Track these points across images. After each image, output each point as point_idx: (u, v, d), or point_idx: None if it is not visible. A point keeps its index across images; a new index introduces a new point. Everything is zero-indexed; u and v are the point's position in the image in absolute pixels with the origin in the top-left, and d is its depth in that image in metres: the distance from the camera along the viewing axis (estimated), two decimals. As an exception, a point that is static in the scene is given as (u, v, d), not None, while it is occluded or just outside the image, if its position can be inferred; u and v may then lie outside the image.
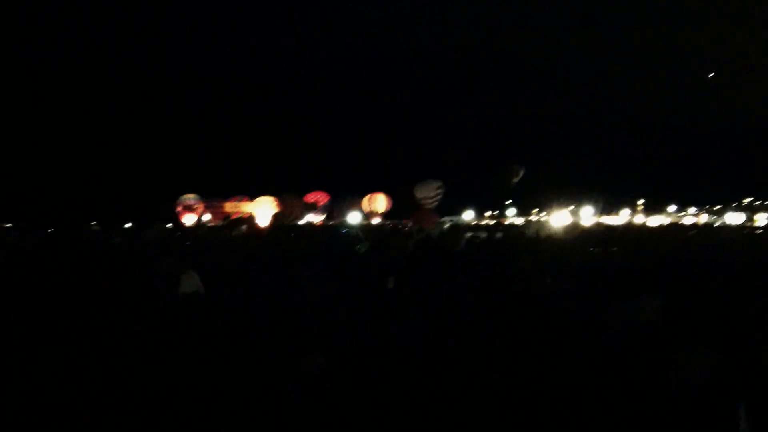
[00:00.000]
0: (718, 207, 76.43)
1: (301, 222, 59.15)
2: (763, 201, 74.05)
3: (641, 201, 76.38)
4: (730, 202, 75.26)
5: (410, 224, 41.41)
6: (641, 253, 15.71)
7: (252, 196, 66.55)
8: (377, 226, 45.09)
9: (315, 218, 63.92)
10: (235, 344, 7.16)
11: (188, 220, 61.25)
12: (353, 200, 64.29)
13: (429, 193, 62.11)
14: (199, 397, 5.83)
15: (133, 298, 9.48)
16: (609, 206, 69.99)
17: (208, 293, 10.13)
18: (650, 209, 74.69)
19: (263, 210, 63.20)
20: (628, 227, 37.79)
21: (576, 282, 10.34)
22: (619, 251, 16.25)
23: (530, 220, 61.38)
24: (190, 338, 7.25)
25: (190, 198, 63.13)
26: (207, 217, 64.01)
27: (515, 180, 63.30)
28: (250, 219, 58.88)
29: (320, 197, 66.07)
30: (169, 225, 54.12)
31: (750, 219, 58.29)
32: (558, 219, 48.79)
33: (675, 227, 35.02)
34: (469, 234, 22.04)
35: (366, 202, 64.37)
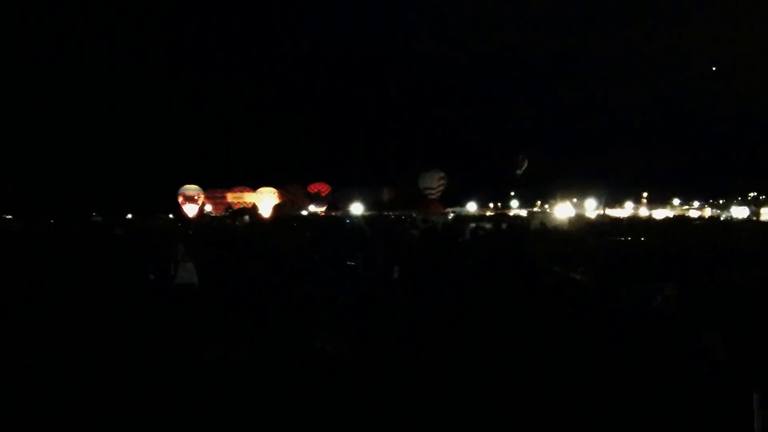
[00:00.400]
0: (722, 201, 76.40)
1: (303, 212, 59.11)
2: (768, 196, 73.81)
3: (645, 193, 76.39)
4: (734, 196, 75.17)
5: (414, 215, 41.21)
6: (653, 242, 15.63)
7: (254, 187, 66.55)
8: (382, 216, 44.88)
9: (317, 209, 63.88)
10: (231, 335, 7.01)
11: (190, 210, 61.16)
12: (356, 191, 64.21)
13: (432, 183, 62.16)
14: (193, 388, 5.65)
15: (129, 289, 9.33)
16: (612, 198, 69.96)
17: (210, 284, 9.95)
18: (654, 202, 74.61)
19: (265, 200, 63.25)
20: (634, 219, 37.58)
21: (587, 270, 10.27)
22: (632, 241, 16.09)
23: (534, 212, 61.10)
24: (182, 330, 7.09)
25: (191, 188, 63.01)
26: (209, 207, 64.02)
27: (519, 171, 63.26)
28: (252, 209, 58.94)
29: (322, 188, 66.05)
30: (171, 216, 54.06)
31: (756, 213, 58.08)
32: (561, 211, 48.53)
33: (682, 219, 34.75)
34: (473, 225, 21.92)
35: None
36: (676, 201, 77.32)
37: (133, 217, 51.38)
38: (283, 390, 5.64)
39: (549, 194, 66.29)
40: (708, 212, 67.43)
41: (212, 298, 8.97)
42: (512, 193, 74.04)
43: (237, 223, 33.22)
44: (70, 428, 5.06)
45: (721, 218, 46.28)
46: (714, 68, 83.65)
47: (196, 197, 62.66)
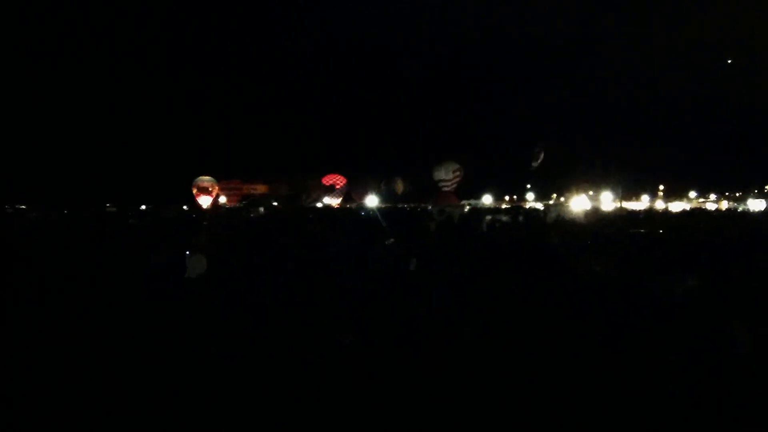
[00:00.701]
0: (739, 194, 76.06)
1: (318, 204, 59.19)
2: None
3: (661, 186, 76.17)
4: (751, 189, 74.81)
5: (430, 207, 41.10)
6: (670, 235, 15.58)
7: (269, 179, 66.82)
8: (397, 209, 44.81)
9: (332, 201, 63.92)
10: (237, 329, 6.93)
11: (204, 201, 61.38)
12: (371, 183, 64.16)
13: (447, 175, 62.05)
14: (195, 387, 5.55)
15: (136, 281, 9.26)
16: (629, 191, 69.76)
17: (221, 275, 9.86)
18: (670, 195, 74.40)
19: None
20: (650, 212, 37.44)
21: (606, 262, 10.18)
22: (650, 234, 16.02)
23: (551, 204, 60.89)
24: (186, 326, 7.00)
25: (205, 180, 63.22)
26: (223, 198, 64.26)
27: (535, 164, 63.03)
28: (268, 200, 59.10)
29: (338, 180, 66.05)
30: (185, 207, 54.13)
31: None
32: (578, 203, 48.40)
33: (699, 212, 34.59)
34: (489, 217, 21.82)
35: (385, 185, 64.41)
36: (692, 194, 77.06)
37: (147, 207, 51.37)
38: (289, 388, 5.55)
39: (565, 187, 66.08)
40: (725, 205, 67.20)
41: (222, 290, 8.88)
42: (528, 186, 74.00)
43: (252, 215, 33.10)
44: (70, 425, 4.98)
45: (739, 210, 46.14)
46: (730, 60, 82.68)
47: (210, 188, 62.93)
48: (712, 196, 78.71)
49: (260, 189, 66.29)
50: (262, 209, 39.91)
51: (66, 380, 5.54)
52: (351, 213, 34.39)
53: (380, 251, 11.68)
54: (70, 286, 8.82)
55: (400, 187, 65.30)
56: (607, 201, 58.54)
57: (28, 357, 6.03)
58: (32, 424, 4.97)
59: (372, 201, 59.40)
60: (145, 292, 8.44)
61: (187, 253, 10.05)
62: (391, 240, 12.56)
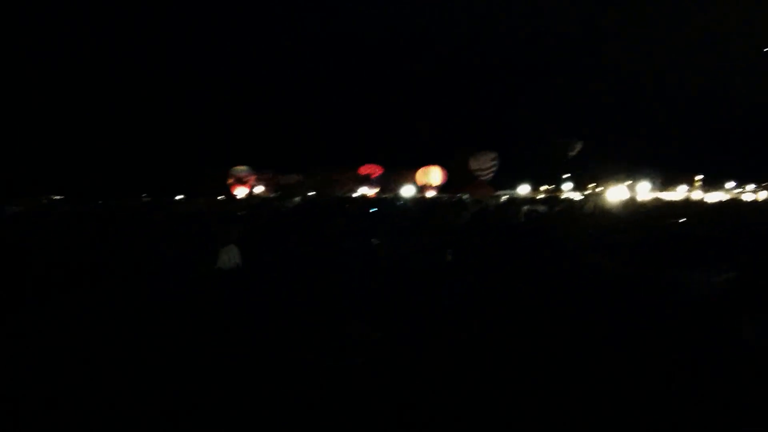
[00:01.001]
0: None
1: (354, 195, 59.07)
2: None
3: (698, 177, 75.37)
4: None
5: (466, 197, 40.96)
6: (705, 226, 15.47)
7: (305, 169, 66.81)
8: (432, 199, 44.59)
9: (369, 191, 63.67)
10: (253, 322, 6.94)
11: (240, 192, 61.52)
12: (407, 173, 63.85)
13: (483, 164, 61.74)
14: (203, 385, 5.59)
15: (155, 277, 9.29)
16: (666, 182, 69.11)
17: (255, 267, 9.92)
18: (708, 185, 73.61)
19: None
20: (687, 203, 37.11)
21: (636, 253, 10.13)
22: (684, 225, 15.93)
23: (587, 195, 60.53)
24: (192, 324, 6.99)
25: (241, 170, 63.36)
26: (259, 189, 64.29)
27: (572, 154, 62.68)
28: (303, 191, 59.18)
29: (374, 170, 65.79)
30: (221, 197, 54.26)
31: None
32: (615, 194, 48.09)
33: (735, 203, 34.21)
34: (526, 207, 21.78)
35: (420, 175, 63.85)
36: (730, 184, 76.11)
37: (183, 197, 51.63)
38: (304, 385, 5.57)
39: (602, 177, 65.62)
40: (763, 195, 66.42)
41: (235, 286, 8.90)
42: (566, 176, 73.43)
43: (287, 205, 33.06)
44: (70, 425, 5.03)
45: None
46: (766, 49, 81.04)
47: (246, 179, 63.03)
48: (750, 187, 77.64)
49: (292, 180, 66.24)
50: (298, 199, 40.00)
51: (66, 381, 5.58)
52: (387, 204, 34.28)
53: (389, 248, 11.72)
54: (75, 282, 8.82)
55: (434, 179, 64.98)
56: (644, 191, 58.16)
57: (32, 355, 6.07)
58: (50, 419, 5.05)
59: (408, 191, 59.22)
60: (150, 290, 8.46)
61: (220, 245, 10.14)
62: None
